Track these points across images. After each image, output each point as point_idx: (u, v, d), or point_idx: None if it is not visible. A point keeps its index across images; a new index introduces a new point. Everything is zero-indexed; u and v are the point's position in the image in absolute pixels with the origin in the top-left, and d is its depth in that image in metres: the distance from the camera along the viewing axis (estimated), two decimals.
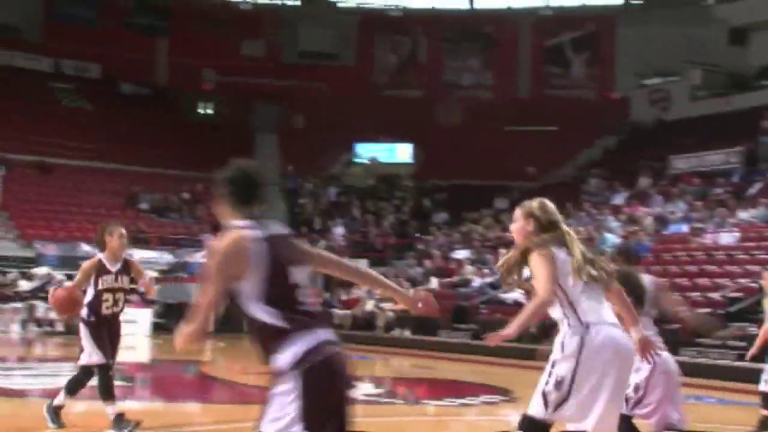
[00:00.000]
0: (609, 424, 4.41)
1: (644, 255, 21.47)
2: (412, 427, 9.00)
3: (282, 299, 3.64)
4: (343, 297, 26.23)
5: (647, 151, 30.14)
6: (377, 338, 22.73)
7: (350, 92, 39.45)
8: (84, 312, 7.58)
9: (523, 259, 4.64)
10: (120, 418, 7.55)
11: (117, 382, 13.34)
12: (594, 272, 4.48)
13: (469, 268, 24.49)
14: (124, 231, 7.77)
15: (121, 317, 7.77)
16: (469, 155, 35.41)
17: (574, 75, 41.50)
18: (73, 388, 7.67)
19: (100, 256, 7.67)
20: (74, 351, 19.01)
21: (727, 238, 20.98)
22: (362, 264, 29.49)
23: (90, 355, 7.58)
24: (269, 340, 3.63)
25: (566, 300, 4.50)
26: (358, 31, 42.50)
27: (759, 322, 9.38)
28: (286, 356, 3.57)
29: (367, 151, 37.34)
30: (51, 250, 26.35)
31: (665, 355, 5.50)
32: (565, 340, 4.44)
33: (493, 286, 22.88)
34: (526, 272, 4.61)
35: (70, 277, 25.75)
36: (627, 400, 5.45)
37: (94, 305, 7.49)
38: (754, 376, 8.24)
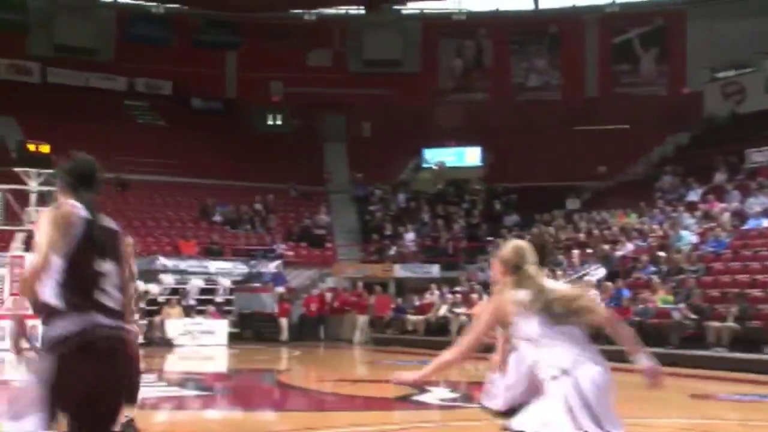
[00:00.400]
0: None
1: (722, 252, 21.05)
2: (489, 431, 8.98)
3: (76, 280, 3.78)
4: (417, 302, 26.26)
5: (722, 146, 29.49)
6: (451, 343, 22.61)
7: (416, 98, 39.52)
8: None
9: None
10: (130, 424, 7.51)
11: (197, 392, 13.62)
12: (557, 310, 4.49)
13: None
14: (130, 240, 7.92)
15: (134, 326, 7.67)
16: (538, 156, 35.14)
17: (644, 71, 40.83)
18: None
19: None
20: (155, 362, 19.43)
21: None
22: (435, 269, 29.61)
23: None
24: (44, 318, 3.77)
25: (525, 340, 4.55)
26: (422, 36, 42.55)
27: None
28: (48, 336, 3.69)
29: (435, 157, 37.34)
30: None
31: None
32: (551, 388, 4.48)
33: None
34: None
35: (146, 292, 26.36)
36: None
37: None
38: None
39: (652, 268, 21.42)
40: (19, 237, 22.98)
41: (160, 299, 25.85)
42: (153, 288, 26.22)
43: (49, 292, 3.80)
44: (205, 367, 19.37)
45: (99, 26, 40.43)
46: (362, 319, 26.90)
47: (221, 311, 26.53)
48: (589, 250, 24.74)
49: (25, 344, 3.97)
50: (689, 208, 24.98)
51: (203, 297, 26.94)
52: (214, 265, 28.11)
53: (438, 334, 23.91)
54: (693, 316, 18.06)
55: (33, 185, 22.74)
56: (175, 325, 24.65)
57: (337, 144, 39.84)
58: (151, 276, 27.02)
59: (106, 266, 3.93)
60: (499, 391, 5.92)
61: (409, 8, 42.99)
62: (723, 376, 14.74)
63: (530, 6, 41.97)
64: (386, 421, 9.56)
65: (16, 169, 23.17)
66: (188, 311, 25.74)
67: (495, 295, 4.65)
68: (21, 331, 3.99)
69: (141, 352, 18.88)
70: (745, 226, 22.43)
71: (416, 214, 33.87)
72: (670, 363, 16.27)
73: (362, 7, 42.84)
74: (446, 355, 4.68)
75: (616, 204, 28.83)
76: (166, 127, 38.85)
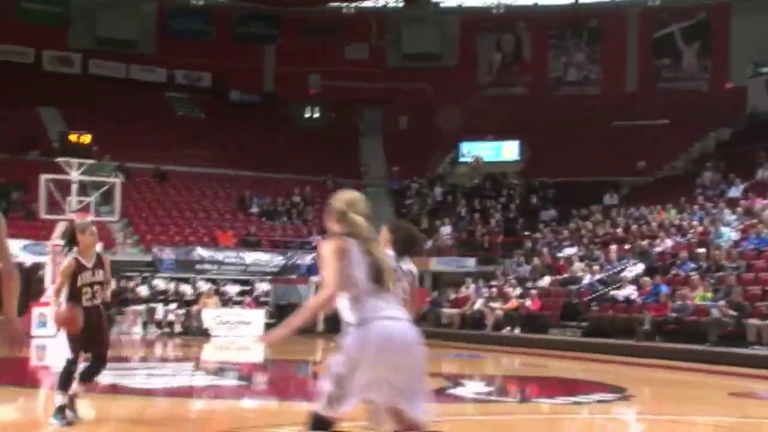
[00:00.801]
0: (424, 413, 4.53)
1: (764, 249, 20.74)
2: (525, 425, 8.96)
3: None
4: (452, 296, 26.22)
5: (765, 141, 29.04)
6: (486, 337, 22.65)
7: (454, 92, 39.40)
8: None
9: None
10: (61, 410, 7.61)
11: (234, 382, 13.73)
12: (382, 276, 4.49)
13: (578, 265, 24.14)
14: (94, 229, 7.90)
15: (101, 310, 7.79)
16: (576, 151, 34.89)
17: (686, 66, 40.36)
18: (63, 382, 7.70)
19: (75, 255, 7.72)
20: (191, 351, 19.60)
21: None
22: (471, 263, 29.55)
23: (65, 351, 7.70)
24: None
25: (351, 295, 4.51)
26: (460, 30, 42.42)
27: None
28: None
29: (472, 150, 37.22)
30: (168, 254, 27.27)
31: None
32: (345, 336, 4.50)
33: (604, 282, 22.50)
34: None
35: (186, 281, 26.63)
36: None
37: (75, 301, 7.61)
38: None
39: (692, 265, 21.18)
40: (61, 226, 23.31)
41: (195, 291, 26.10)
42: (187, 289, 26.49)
43: None
44: (241, 357, 19.52)
45: (140, 19, 40.84)
46: None
47: (257, 302, 26.71)
48: (627, 246, 24.55)
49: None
50: (730, 204, 24.66)
51: (240, 288, 27.14)
52: (250, 257, 28.29)
53: (473, 328, 23.89)
54: (732, 314, 17.83)
55: (74, 175, 23.03)
56: (211, 315, 24.87)
57: (374, 137, 39.87)
58: (188, 266, 27.30)
59: None
60: None
61: (448, 2, 42.86)
62: (763, 374, 14.55)
63: (569, 0, 41.65)
64: None
65: (58, 160, 23.48)
66: (225, 301, 25.95)
67: (329, 240, 4.59)
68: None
69: (178, 341, 19.09)
70: None
71: (453, 208, 33.81)
72: (709, 360, 16.15)
73: (400, 1, 42.80)
74: (308, 304, 4.76)
75: (655, 199, 28.54)
76: (205, 119, 39.17)
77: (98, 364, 7.80)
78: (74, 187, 23.01)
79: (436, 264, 29.73)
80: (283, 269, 28.52)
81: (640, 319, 19.23)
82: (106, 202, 25.32)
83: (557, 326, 21.75)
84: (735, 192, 26.08)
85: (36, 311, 21.00)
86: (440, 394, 11.50)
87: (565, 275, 24.17)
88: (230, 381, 13.74)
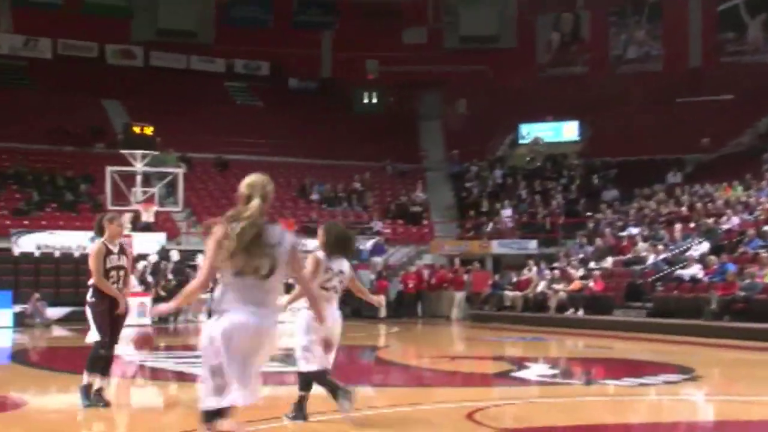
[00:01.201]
0: (249, 398, 4.61)
1: None
2: (591, 407, 8.89)
3: None
4: (514, 279, 26.09)
5: None
6: (550, 319, 22.51)
7: (513, 74, 39.07)
8: (89, 293, 8.17)
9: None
10: (86, 390, 8.02)
11: (296, 368, 13.87)
12: (238, 264, 4.54)
13: (642, 245, 23.81)
14: (123, 221, 8.81)
15: (128, 298, 8.32)
16: (638, 130, 34.37)
17: (751, 39, 39.33)
18: (92, 364, 8.10)
19: (102, 240, 8.27)
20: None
21: None
22: (532, 245, 29.32)
23: (92, 333, 8.15)
24: None
25: (221, 282, 4.62)
26: (518, 11, 41.98)
27: None
28: None
29: (532, 132, 36.89)
30: None
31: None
32: (209, 326, 4.60)
33: (669, 262, 22.15)
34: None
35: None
36: None
37: (99, 289, 8.06)
38: None
39: (760, 242, 20.73)
40: (127, 217, 23.80)
41: None
42: None
43: None
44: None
45: (199, 9, 41.30)
46: (459, 296, 26.89)
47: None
48: (692, 225, 24.13)
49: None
50: None
51: None
52: (312, 244, 28.47)
53: (536, 311, 23.75)
54: None
55: (138, 166, 23.46)
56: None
57: (433, 121, 39.78)
58: None
59: None
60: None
61: None
62: None
63: None
64: (485, 397, 9.56)
65: (122, 151, 23.94)
66: (287, 288, 26.17)
67: (216, 226, 4.66)
68: None
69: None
70: None
71: (513, 190, 33.59)
72: None
73: None
74: (192, 284, 4.83)
75: (720, 177, 27.97)
76: (264, 107, 39.49)
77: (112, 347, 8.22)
78: (139, 178, 23.44)
79: (497, 247, 29.60)
80: None
81: (706, 299, 18.90)
82: (169, 192, 25.74)
83: (621, 307, 21.50)
84: None
85: (135, 300, 21.77)
86: (505, 377, 11.48)
87: (629, 255, 23.86)
88: (294, 367, 13.88)
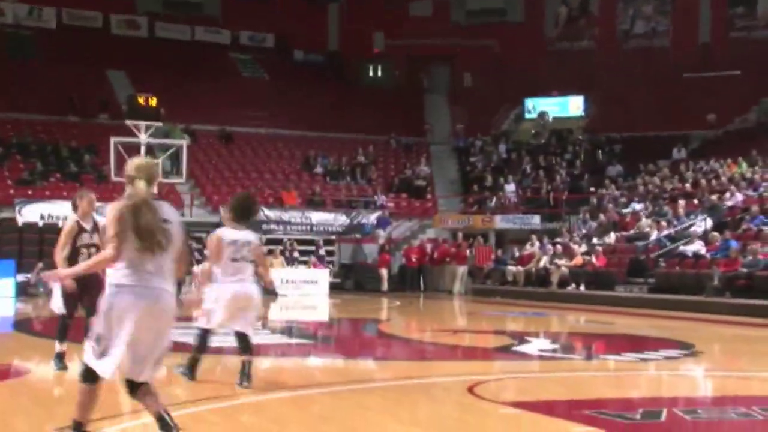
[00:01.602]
0: (142, 373, 4.81)
1: None
2: (592, 382, 8.94)
3: None
4: (517, 253, 26.13)
5: None
6: (551, 294, 22.55)
7: (520, 48, 38.87)
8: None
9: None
10: (60, 357, 8.61)
11: (300, 341, 13.96)
12: (143, 241, 4.75)
13: (645, 221, 23.80)
14: (93, 197, 8.73)
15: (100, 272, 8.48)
16: (644, 105, 34.23)
17: (761, 14, 39.03)
18: (61, 335, 8.69)
19: (76, 217, 8.57)
20: (260, 311, 19.97)
21: None
22: (535, 220, 29.33)
23: (58, 305, 8.69)
24: None
25: (123, 258, 4.83)
26: None
27: None
28: None
29: (537, 107, 36.77)
30: None
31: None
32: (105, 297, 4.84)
33: (672, 238, 22.15)
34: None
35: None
36: None
37: (72, 262, 8.21)
38: None
39: (763, 219, 20.72)
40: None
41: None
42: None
43: None
44: (307, 316, 19.80)
45: None
46: (462, 270, 26.95)
47: (323, 261, 26.98)
48: (696, 201, 24.11)
49: None
50: None
51: (305, 248, 27.40)
52: (315, 217, 28.52)
53: (538, 286, 23.80)
54: None
55: (142, 137, 23.44)
56: (278, 274, 25.20)
57: (439, 95, 39.65)
58: (255, 227, 27.62)
59: None
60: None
61: None
62: None
63: None
64: (486, 371, 9.61)
65: (127, 122, 23.91)
66: (291, 261, 26.26)
67: (113, 205, 4.90)
68: None
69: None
70: None
71: (517, 165, 33.54)
72: None
73: None
74: (101, 254, 5.03)
75: (725, 153, 27.90)
76: (269, 80, 39.36)
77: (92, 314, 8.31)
78: (143, 150, 23.43)
79: (500, 222, 29.62)
80: (348, 229, 28.71)
81: (709, 275, 18.93)
82: (173, 163, 25.73)
83: (623, 283, 21.53)
84: None
85: None
86: (506, 351, 11.53)
87: (632, 231, 23.87)
88: (297, 339, 13.96)
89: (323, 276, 25.82)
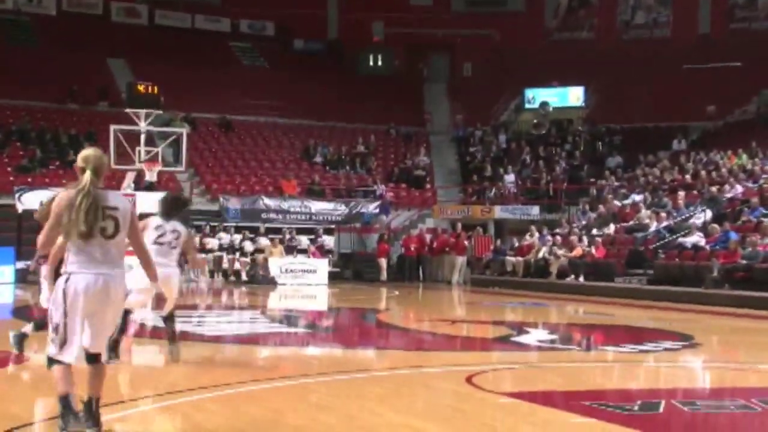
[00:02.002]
0: (94, 346, 5.11)
1: None
2: (590, 373, 8.95)
3: None
4: (516, 244, 26.14)
5: None
6: (551, 285, 22.57)
7: (520, 38, 38.80)
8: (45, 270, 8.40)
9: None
10: (22, 337, 8.66)
11: (300, 330, 13.96)
12: (83, 228, 4.96)
13: (644, 213, 23.80)
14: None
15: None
16: (644, 96, 34.20)
17: (762, 4, 38.97)
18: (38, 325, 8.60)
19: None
20: (257, 300, 19.98)
21: None
22: (534, 211, 29.33)
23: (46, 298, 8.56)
24: None
25: (68, 246, 5.09)
26: None
27: None
28: None
29: (537, 97, 36.71)
30: (234, 204, 27.61)
31: None
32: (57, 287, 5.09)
33: (671, 230, 22.15)
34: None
35: (252, 230, 26.99)
36: None
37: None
38: None
39: (763, 211, 20.72)
40: (130, 176, 23.79)
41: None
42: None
43: None
44: (306, 305, 19.81)
45: None
46: (461, 260, 26.96)
47: (322, 251, 26.99)
48: (695, 192, 24.10)
49: None
50: None
51: (305, 237, 27.40)
52: (315, 206, 28.52)
53: (537, 276, 23.81)
54: None
55: (142, 125, 23.40)
56: (277, 263, 25.22)
57: (438, 85, 39.59)
58: (254, 215, 27.63)
59: None
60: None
61: None
62: None
63: None
64: (483, 361, 9.62)
65: (126, 110, 23.87)
66: (290, 250, 26.27)
67: (59, 195, 5.17)
68: None
69: (244, 289, 19.46)
70: None
71: (517, 156, 33.52)
72: None
73: None
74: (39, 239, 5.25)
75: (725, 145, 27.88)
76: (269, 68, 39.29)
77: None
78: (143, 138, 23.39)
79: (499, 212, 29.62)
80: (347, 218, 28.72)
81: (708, 267, 18.94)
82: (173, 152, 25.70)
83: (623, 274, 21.54)
84: None
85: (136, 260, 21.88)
86: (504, 341, 11.54)
87: (632, 222, 23.87)
88: (295, 328, 13.97)
89: (322, 265, 25.83)
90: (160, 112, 24.67)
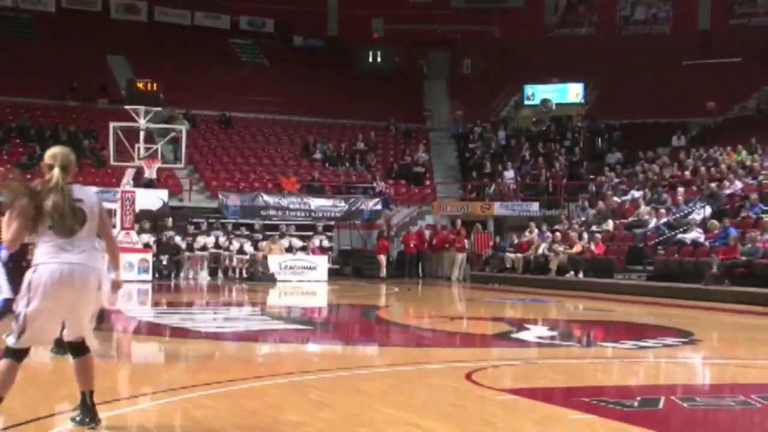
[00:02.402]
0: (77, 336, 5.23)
1: None
2: (590, 369, 8.95)
3: None
4: (515, 240, 26.13)
5: None
6: (550, 281, 22.57)
7: (520, 34, 38.77)
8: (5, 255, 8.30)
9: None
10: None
11: (299, 326, 13.97)
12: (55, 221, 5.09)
13: (644, 209, 23.80)
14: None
15: None
16: (644, 92, 34.18)
17: (761, 1, 38.94)
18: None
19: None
20: (256, 296, 20.00)
21: None
22: (534, 207, 29.32)
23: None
24: None
25: (37, 239, 5.20)
26: None
27: None
28: None
29: (536, 93, 36.68)
30: (233, 200, 27.58)
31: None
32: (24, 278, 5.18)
33: (670, 226, 22.16)
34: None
35: (250, 227, 26.97)
36: None
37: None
38: None
39: (762, 207, 20.72)
40: (129, 173, 23.79)
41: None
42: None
43: None
44: (306, 302, 19.82)
45: None
46: (461, 257, 26.96)
47: (322, 247, 26.99)
48: (695, 188, 24.10)
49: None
50: None
51: (304, 233, 27.38)
52: (314, 202, 28.52)
53: (537, 273, 23.81)
54: None
55: (142, 122, 23.40)
56: (277, 260, 25.21)
57: (438, 81, 39.57)
58: (254, 212, 27.62)
59: None
60: None
61: None
62: None
63: None
64: (483, 357, 9.62)
65: (126, 107, 23.87)
66: (289, 247, 26.27)
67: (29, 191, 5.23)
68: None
69: (243, 286, 19.48)
70: None
71: (516, 152, 33.50)
72: None
73: None
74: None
75: (725, 141, 27.88)
76: (269, 65, 39.25)
77: None
78: (142, 135, 23.39)
79: (499, 208, 29.62)
80: (346, 215, 28.71)
81: (707, 263, 18.94)
82: (173, 149, 25.71)
83: (622, 270, 21.54)
84: None
85: (136, 257, 22.58)
86: (504, 338, 11.55)
87: (631, 219, 23.87)
88: (295, 325, 13.98)
89: (322, 262, 25.83)
90: (160, 109, 24.68)
